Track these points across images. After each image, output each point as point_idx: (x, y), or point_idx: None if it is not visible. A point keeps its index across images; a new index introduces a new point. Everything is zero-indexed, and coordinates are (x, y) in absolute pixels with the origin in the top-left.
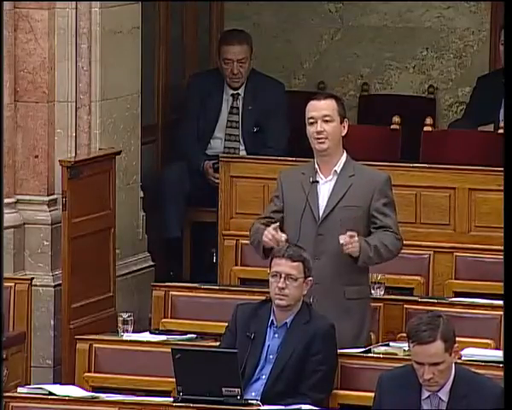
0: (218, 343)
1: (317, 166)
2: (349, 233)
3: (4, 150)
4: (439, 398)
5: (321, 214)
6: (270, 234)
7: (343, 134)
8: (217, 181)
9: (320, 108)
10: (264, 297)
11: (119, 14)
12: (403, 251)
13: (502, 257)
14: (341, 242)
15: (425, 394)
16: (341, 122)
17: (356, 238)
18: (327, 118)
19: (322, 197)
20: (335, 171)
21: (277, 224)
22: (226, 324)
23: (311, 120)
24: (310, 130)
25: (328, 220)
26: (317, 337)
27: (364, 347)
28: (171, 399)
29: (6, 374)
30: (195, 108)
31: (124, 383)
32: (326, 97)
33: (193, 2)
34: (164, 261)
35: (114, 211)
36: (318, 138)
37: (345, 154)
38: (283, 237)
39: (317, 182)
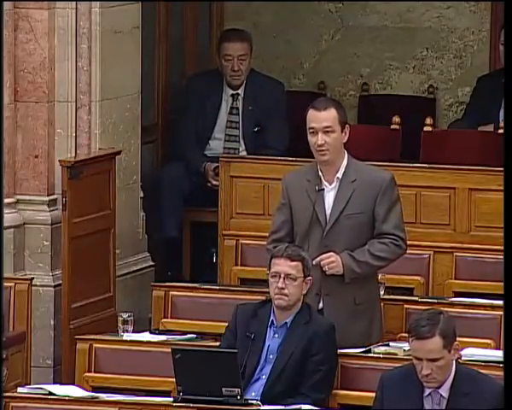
0: (218, 343)
1: (320, 173)
2: (325, 255)
3: (4, 150)
4: (440, 395)
5: (327, 223)
6: None
7: (344, 141)
8: (216, 185)
9: (321, 119)
10: (264, 297)
11: (119, 14)
12: None
13: (502, 257)
14: (314, 263)
15: (426, 391)
16: (342, 130)
17: (333, 258)
18: (328, 129)
19: (327, 206)
20: (338, 178)
21: None
22: (226, 324)
23: (312, 130)
24: (311, 140)
25: (333, 229)
26: (317, 337)
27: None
28: (171, 399)
29: (6, 374)
30: (194, 109)
31: (124, 383)
32: (326, 107)
33: (193, 2)
34: (164, 261)
35: (114, 211)
36: (320, 151)
37: (346, 157)
38: None
39: (323, 190)
